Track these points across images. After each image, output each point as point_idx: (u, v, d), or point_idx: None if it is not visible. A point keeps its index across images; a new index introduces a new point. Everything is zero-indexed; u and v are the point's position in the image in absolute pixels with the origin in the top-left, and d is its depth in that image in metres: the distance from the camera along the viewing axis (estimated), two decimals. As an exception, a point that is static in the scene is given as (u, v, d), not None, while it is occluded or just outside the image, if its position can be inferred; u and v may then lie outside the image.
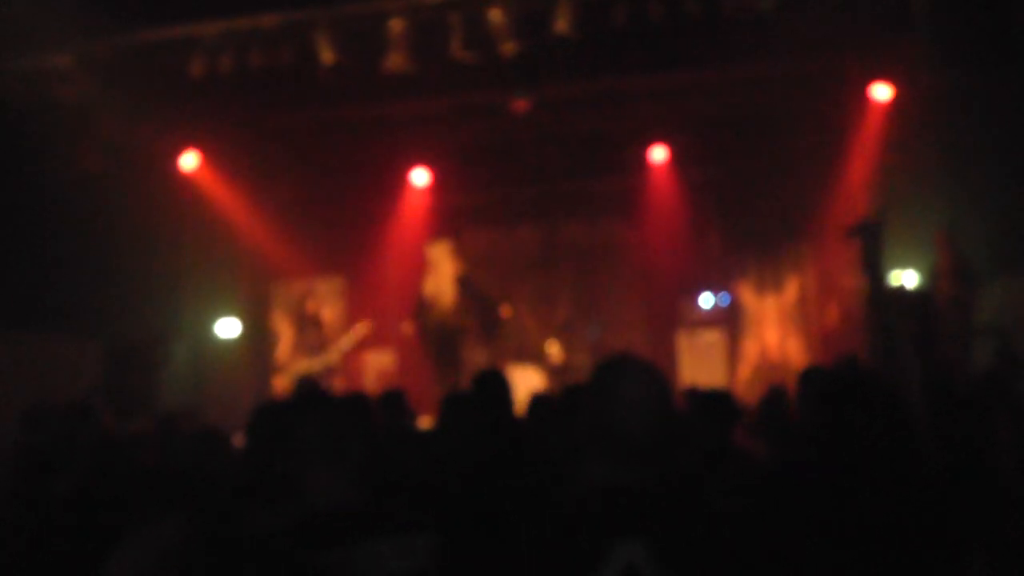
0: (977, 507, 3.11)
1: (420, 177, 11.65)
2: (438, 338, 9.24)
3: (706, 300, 11.03)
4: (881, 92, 9.47)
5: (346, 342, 10.22)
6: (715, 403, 4.00)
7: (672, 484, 2.18)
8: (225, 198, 10.88)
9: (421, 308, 9.54)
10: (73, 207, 8.52)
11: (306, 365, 10.03)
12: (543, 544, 2.12)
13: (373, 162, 11.45)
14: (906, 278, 8.66)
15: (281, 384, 9.92)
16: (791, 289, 11.22)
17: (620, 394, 2.25)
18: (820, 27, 7.81)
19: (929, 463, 2.93)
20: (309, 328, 10.38)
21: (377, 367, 11.23)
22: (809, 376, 3.85)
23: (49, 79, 8.56)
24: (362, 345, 10.75)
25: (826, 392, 2.79)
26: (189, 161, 10.56)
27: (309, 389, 5.28)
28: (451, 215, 11.76)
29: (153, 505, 2.69)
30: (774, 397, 4.91)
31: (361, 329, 10.23)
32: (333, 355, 10.13)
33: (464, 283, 9.23)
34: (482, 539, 2.64)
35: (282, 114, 10.50)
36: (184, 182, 10.58)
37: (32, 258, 8.19)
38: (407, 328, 9.71)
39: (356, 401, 3.89)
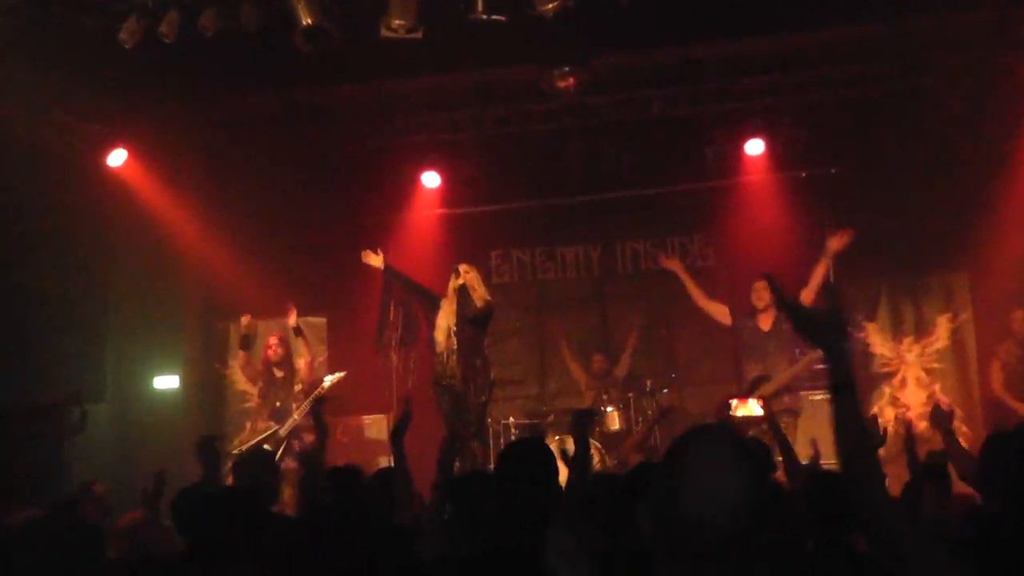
0: None
1: (430, 182, 11.76)
2: (449, 401, 9.11)
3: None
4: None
5: (309, 402, 10.11)
6: (834, 488, 4.00)
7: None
8: (167, 211, 10.98)
9: (433, 362, 9.46)
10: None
11: (266, 431, 10.03)
12: None
13: (368, 162, 11.57)
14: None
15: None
16: (940, 332, 11.07)
17: (703, 479, 2.30)
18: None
19: None
20: (275, 381, 10.38)
21: (377, 433, 11.27)
22: (996, 446, 3.79)
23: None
24: (347, 406, 10.69)
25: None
26: (117, 160, 10.64)
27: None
28: (470, 233, 11.82)
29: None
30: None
31: (335, 382, 10.16)
32: (295, 417, 10.12)
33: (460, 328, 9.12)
34: None
35: (244, 97, 10.62)
36: (110, 188, 10.65)
37: None
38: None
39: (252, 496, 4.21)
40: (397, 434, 5.57)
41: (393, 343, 10.00)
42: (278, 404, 10.23)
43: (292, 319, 10.33)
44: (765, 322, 9.67)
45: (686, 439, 2.44)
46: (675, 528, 2.31)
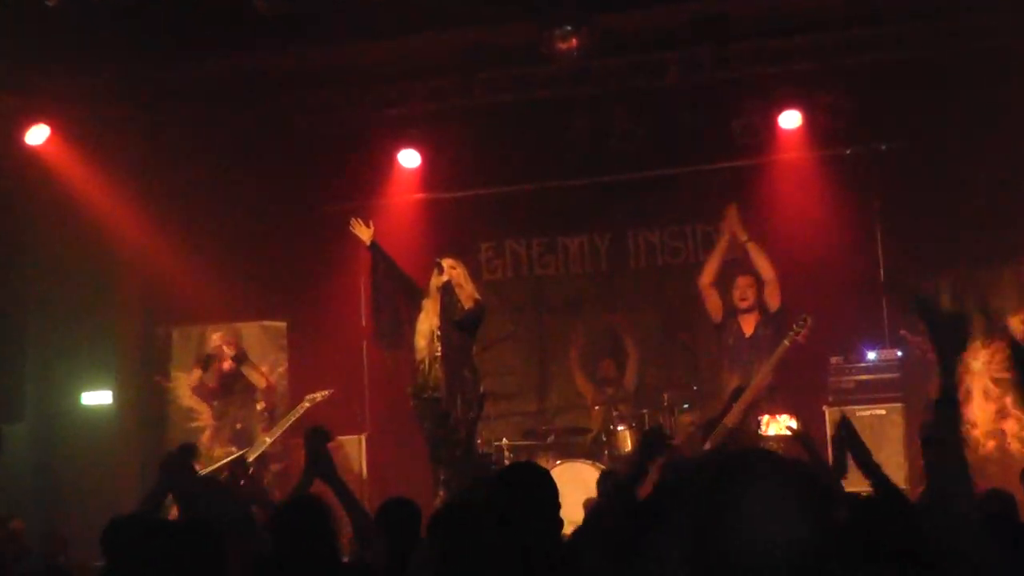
0: None
1: (408, 162, 11.73)
2: (432, 417, 9.10)
3: (869, 354, 10.83)
4: None
5: (283, 424, 10.18)
6: (889, 513, 3.99)
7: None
8: (97, 198, 10.93)
9: (412, 371, 9.42)
10: None
11: (225, 457, 9.99)
12: None
13: (335, 140, 11.60)
14: None
15: None
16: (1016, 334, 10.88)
17: (760, 525, 2.26)
18: None
19: None
20: (232, 399, 10.40)
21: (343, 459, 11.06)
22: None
23: None
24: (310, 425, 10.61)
25: None
26: (37, 138, 10.67)
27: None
28: (456, 221, 11.79)
29: None
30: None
31: (309, 404, 10.17)
32: (266, 441, 10.10)
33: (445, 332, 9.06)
34: None
35: (190, 65, 10.51)
36: (29, 171, 10.66)
37: None
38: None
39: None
40: (320, 462, 5.35)
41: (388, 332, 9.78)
42: (238, 426, 10.20)
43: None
44: (748, 325, 9.81)
45: (732, 470, 2.37)
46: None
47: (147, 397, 11.60)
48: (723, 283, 10.12)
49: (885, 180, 11.09)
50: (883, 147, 11.12)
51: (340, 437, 11.17)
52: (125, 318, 11.68)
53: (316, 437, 5.80)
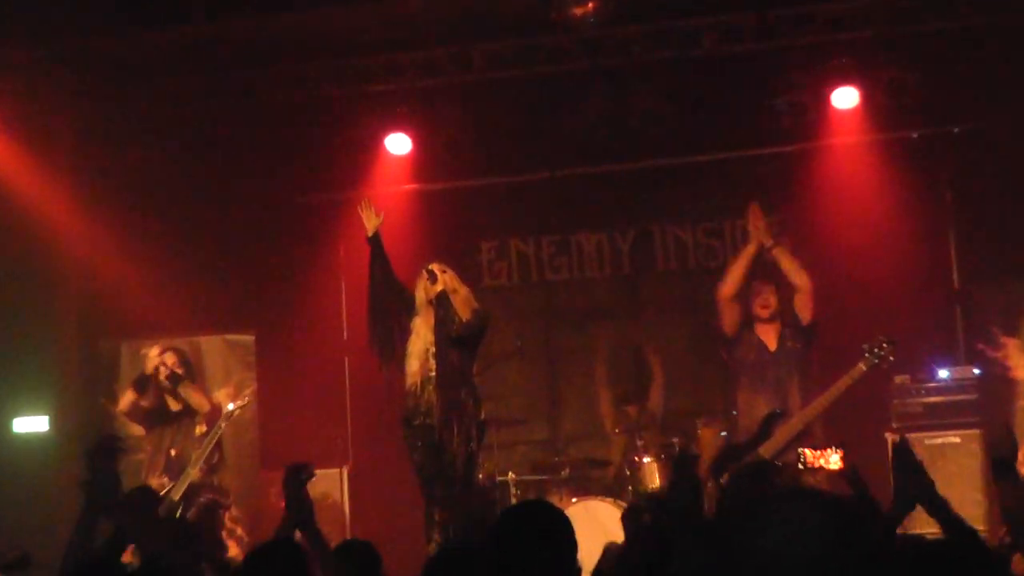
0: None
1: (397, 148, 11.77)
2: (425, 448, 9.09)
3: (941, 372, 10.81)
4: None
5: (205, 451, 10.10)
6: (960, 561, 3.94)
7: None
8: (30, 193, 10.93)
9: (403, 393, 9.37)
10: None
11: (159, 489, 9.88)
12: None
13: (311, 121, 11.63)
14: None
15: None
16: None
17: (785, 556, 2.33)
18: None
19: None
20: (168, 420, 10.39)
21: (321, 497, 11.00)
22: None
23: None
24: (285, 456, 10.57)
25: None
26: None
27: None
28: (452, 216, 11.84)
29: None
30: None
31: (241, 407, 10.19)
32: (190, 473, 10.00)
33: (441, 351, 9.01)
34: None
35: (137, 36, 10.54)
36: None
37: None
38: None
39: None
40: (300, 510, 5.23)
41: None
42: (173, 453, 10.16)
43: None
44: (770, 337, 9.66)
45: (763, 501, 2.43)
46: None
47: (90, 423, 11.42)
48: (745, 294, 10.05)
49: (958, 168, 11.17)
50: (955, 129, 11.20)
51: (318, 470, 11.20)
52: (64, 331, 11.63)
53: (295, 480, 5.56)
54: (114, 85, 11.14)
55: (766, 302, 9.58)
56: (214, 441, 10.06)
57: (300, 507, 5.43)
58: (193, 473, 9.93)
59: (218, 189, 11.75)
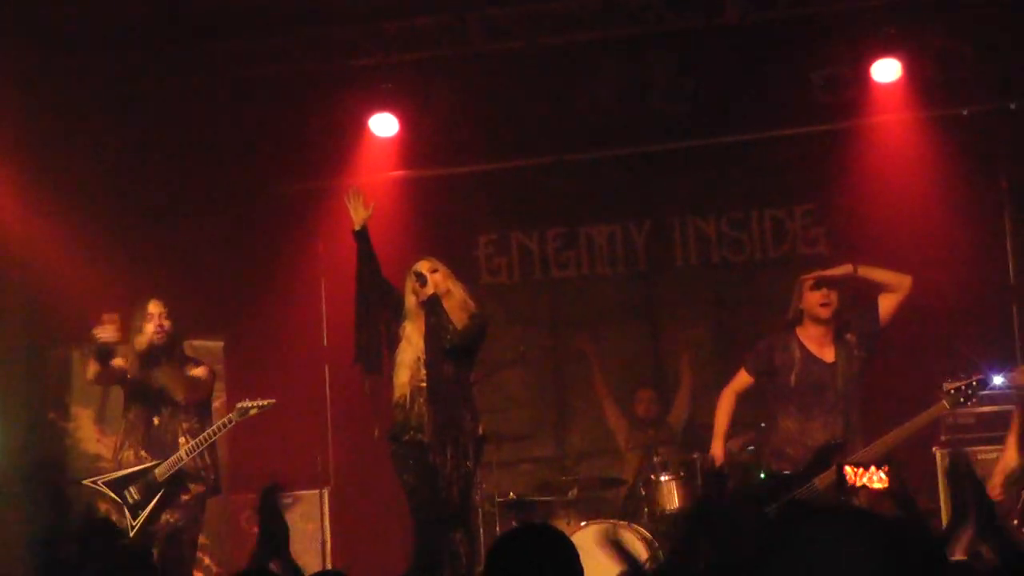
0: None
1: (383, 130, 11.83)
2: (416, 468, 9.08)
3: (995, 379, 10.79)
4: None
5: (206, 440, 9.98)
6: None
7: None
8: None
9: (392, 407, 9.33)
10: None
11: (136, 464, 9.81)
12: None
13: (286, 101, 11.69)
14: None
15: None
16: None
17: None
18: None
19: None
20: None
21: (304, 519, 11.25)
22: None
23: None
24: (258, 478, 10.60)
25: None
26: None
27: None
28: (446, 206, 11.92)
29: None
30: None
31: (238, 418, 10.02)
32: (182, 457, 9.80)
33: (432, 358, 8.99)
34: None
35: (87, 4, 10.51)
36: None
37: None
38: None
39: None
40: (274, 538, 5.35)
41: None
42: (156, 422, 9.85)
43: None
44: (825, 347, 9.17)
45: (804, 522, 2.48)
46: None
47: (38, 440, 11.54)
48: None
49: (1014, 149, 11.19)
50: (1012, 106, 11.21)
51: (296, 492, 11.27)
52: (5, 337, 11.62)
53: (270, 503, 5.61)
54: (62, 59, 11.10)
55: (827, 299, 8.99)
56: (217, 436, 9.88)
57: (275, 533, 5.48)
58: (184, 460, 9.70)
59: (182, 178, 11.77)
